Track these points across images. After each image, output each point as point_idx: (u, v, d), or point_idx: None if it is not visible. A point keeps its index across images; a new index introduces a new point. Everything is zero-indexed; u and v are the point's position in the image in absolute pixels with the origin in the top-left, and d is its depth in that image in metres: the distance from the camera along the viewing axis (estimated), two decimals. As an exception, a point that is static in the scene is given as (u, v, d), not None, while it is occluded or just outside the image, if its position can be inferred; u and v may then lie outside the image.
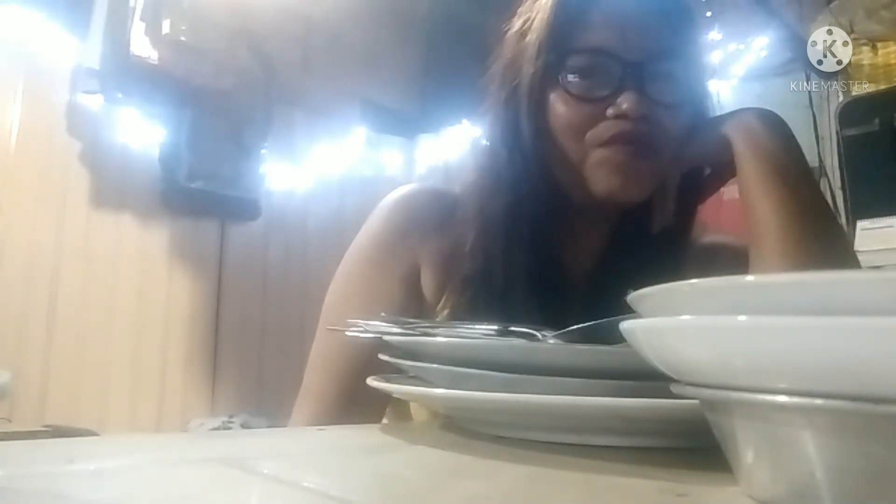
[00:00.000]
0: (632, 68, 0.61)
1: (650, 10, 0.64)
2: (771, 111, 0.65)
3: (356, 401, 0.62)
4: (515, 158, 0.65)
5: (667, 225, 0.65)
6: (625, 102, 0.60)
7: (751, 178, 0.60)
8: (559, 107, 0.63)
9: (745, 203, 0.61)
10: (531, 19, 0.66)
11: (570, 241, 0.68)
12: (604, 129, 0.61)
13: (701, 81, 0.68)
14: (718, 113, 0.68)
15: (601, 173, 0.62)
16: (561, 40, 0.63)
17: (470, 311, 0.63)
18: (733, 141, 0.62)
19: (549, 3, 0.65)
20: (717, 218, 0.77)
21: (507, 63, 0.68)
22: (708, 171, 0.69)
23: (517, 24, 0.68)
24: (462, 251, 0.65)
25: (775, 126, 0.63)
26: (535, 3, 0.67)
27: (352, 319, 0.49)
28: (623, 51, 0.62)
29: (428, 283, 0.67)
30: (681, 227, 0.68)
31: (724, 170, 0.65)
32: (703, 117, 0.67)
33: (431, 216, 0.69)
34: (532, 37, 0.65)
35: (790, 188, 0.59)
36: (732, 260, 0.66)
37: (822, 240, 0.60)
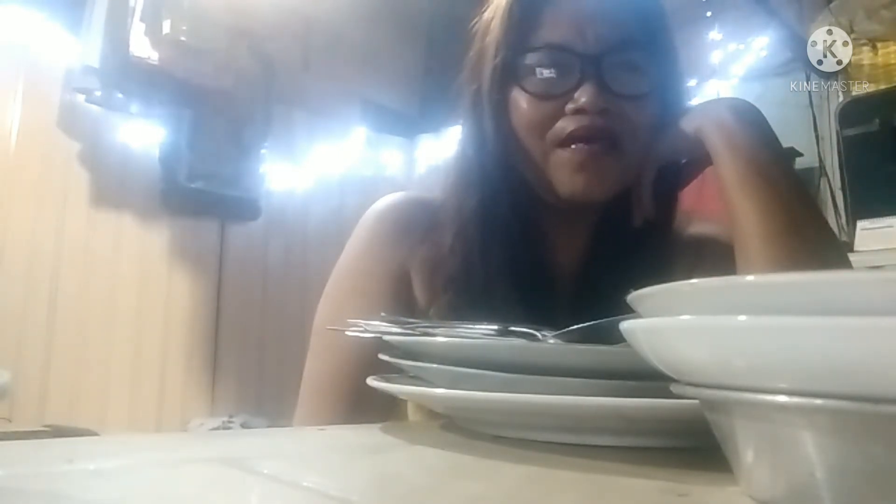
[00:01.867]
0: (589, 62, 0.60)
1: (609, 2, 0.63)
2: (742, 100, 0.63)
3: (356, 412, 0.62)
4: (483, 159, 0.65)
5: (648, 218, 0.64)
6: (583, 96, 0.59)
7: (729, 178, 0.59)
8: (519, 106, 0.63)
9: (725, 203, 0.60)
10: (491, 19, 0.66)
11: (551, 238, 0.68)
12: (564, 126, 0.61)
13: (671, 71, 0.66)
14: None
15: (564, 173, 0.61)
16: (517, 38, 0.63)
17: (453, 311, 0.63)
18: (707, 137, 0.60)
19: (506, 1, 0.64)
20: (700, 209, 0.75)
21: (472, 64, 0.68)
22: (684, 159, 0.67)
23: (481, 24, 0.68)
24: (444, 253, 0.65)
25: (749, 118, 0.61)
26: (496, 1, 0.66)
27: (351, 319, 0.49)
28: (579, 45, 0.61)
29: (419, 290, 0.67)
30: (663, 218, 0.66)
31: (700, 160, 0.64)
32: (677, 107, 0.65)
33: (418, 224, 0.68)
34: (490, 36, 0.65)
35: (771, 187, 0.58)
36: (720, 253, 0.64)
37: (806, 237, 0.58)
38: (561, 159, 0.61)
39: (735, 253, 0.59)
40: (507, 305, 0.61)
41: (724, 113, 0.61)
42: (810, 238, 0.58)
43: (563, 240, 0.68)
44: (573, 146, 0.61)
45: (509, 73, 0.63)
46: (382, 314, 0.51)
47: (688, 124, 0.62)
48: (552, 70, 0.62)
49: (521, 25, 0.63)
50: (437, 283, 0.66)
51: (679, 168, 0.67)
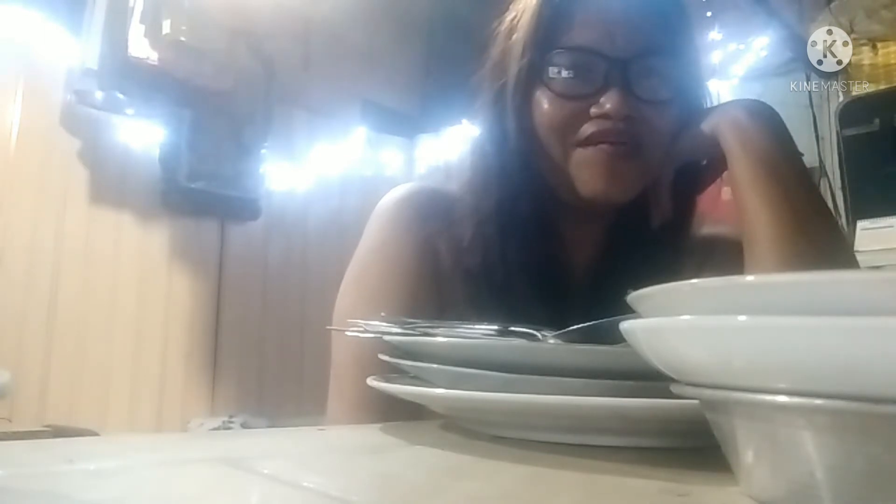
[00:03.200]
0: (617, 66, 0.60)
1: (637, 7, 0.63)
2: (760, 102, 0.63)
3: (389, 408, 0.61)
4: (504, 158, 0.65)
5: (665, 219, 0.65)
6: (608, 102, 0.60)
7: (741, 176, 0.59)
8: (543, 105, 0.63)
9: (737, 202, 0.60)
10: (518, 18, 0.66)
11: (568, 237, 0.68)
12: (587, 129, 0.61)
13: (694, 78, 0.66)
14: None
15: (585, 174, 0.61)
16: (546, 38, 0.63)
17: (473, 305, 0.63)
18: (722, 137, 0.61)
19: (535, 2, 0.64)
20: (714, 214, 0.76)
21: (495, 62, 0.68)
22: (703, 161, 0.67)
23: (506, 23, 0.68)
24: (462, 247, 0.66)
25: (764, 119, 0.61)
26: (522, 1, 0.67)
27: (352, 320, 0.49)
28: (608, 48, 0.61)
29: (447, 271, 0.67)
30: (680, 220, 0.67)
31: (718, 163, 0.64)
32: (698, 111, 0.65)
33: (437, 211, 0.69)
34: (518, 35, 0.65)
35: (782, 186, 0.58)
36: (731, 252, 0.64)
37: (815, 237, 0.58)
38: (582, 159, 0.61)
39: (744, 251, 0.59)
40: (524, 303, 0.62)
41: (739, 113, 0.61)
42: (819, 238, 0.59)
43: (579, 240, 0.68)
44: (595, 147, 0.61)
45: (535, 73, 0.63)
46: (382, 314, 0.51)
47: (705, 125, 0.63)
48: (578, 71, 0.62)
49: (550, 25, 0.63)
50: (456, 277, 0.66)
51: (697, 170, 0.67)
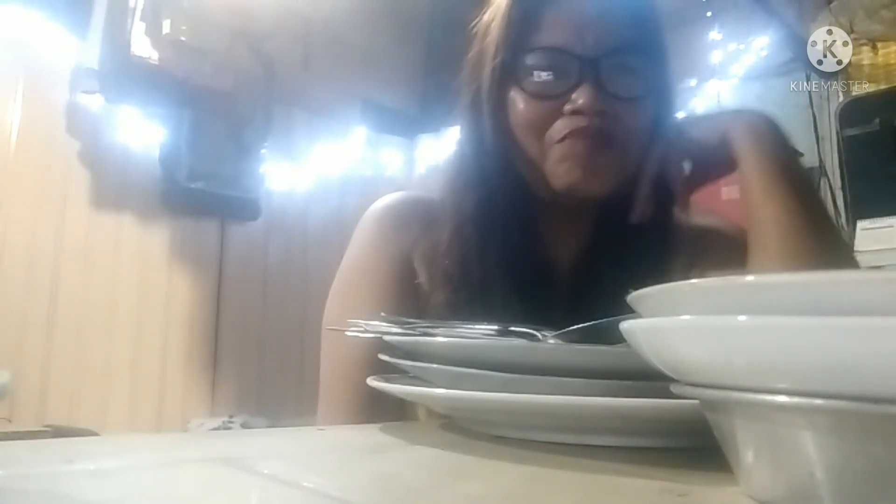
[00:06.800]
0: (588, 64, 0.61)
1: (606, 7, 0.64)
2: (771, 116, 0.64)
3: (374, 409, 0.61)
4: (482, 158, 0.66)
5: (645, 216, 0.65)
6: (580, 98, 0.61)
7: (755, 179, 0.60)
8: (518, 106, 0.64)
9: (747, 203, 0.60)
10: (491, 21, 0.67)
11: (548, 236, 0.68)
12: (561, 126, 0.62)
13: (664, 75, 0.67)
14: (709, 110, 0.68)
15: (561, 169, 0.62)
16: (517, 39, 0.64)
17: (450, 308, 0.63)
18: (736, 139, 0.61)
19: (506, 3, 0.65)
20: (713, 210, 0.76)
21: (472, 65, 0.69)
22: (689, 166, 0.67)
23: (481, 25, 0.69)
24: (441, 249, 0.66)
25: (777, 128, 0.63)
26: (496, 3, 0.68)
27: (352, 320, 0.49)
28: (579, 47, 0.62)
29: (423, 280, 0.68)
30: (663, 218, 0.67)
31: (716, 167, 0.64)
32: (669, 110, 0.67)
33: (417, 219, 0.70)
34: (490, 38, 0.66)
35: (795, 193, 0.59)
36: (720, 244, 0.65)
37: (823, 238, 0.59)
38: (559, 154, 0.62)
39: (751, 250, 0.60)
40: (505, 302, 0.62)
41: (757, 119, 0.63)
42: (825, 238, 0.60)
43: (560, 238, 0.69)
44: (569, 140, 0.62)
45: (508, 74, 0.64)
46: (382, 314, 0.51)
47: (717, 124, 0.63)
48: (551, 71, 0.63)
49: (520, 27, 0.64)
50: (434, 280, 0.66)
51: (684, 171, 0.67)
